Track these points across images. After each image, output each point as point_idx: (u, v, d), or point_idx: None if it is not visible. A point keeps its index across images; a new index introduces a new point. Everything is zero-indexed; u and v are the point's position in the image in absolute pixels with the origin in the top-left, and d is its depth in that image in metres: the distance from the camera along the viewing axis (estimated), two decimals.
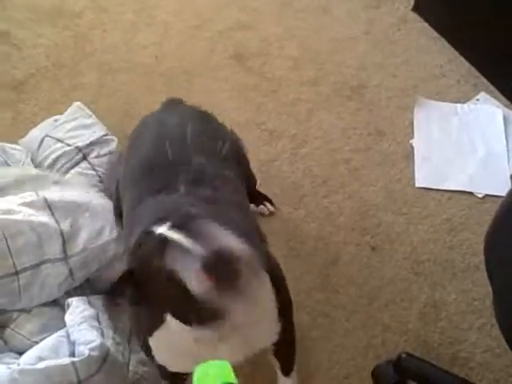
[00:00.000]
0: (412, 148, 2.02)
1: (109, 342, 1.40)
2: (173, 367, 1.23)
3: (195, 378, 0.83)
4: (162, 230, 0.97)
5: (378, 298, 1.71)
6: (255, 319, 1.05)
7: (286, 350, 1.38)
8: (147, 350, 1.21)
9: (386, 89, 2.19)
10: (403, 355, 1.51)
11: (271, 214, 1.88)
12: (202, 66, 2.28)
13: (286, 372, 1.44)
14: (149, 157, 1.38)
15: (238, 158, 1.53)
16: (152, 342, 1.17)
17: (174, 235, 0.95)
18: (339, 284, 1.75)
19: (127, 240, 1.29)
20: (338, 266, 1.78)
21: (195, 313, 0.96)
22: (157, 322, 1.10)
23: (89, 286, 1.60)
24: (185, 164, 1.31)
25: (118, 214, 1.56)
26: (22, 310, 1.54)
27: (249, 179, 1.70)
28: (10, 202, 1.62)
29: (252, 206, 1.85)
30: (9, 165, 1.84)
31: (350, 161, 2.01)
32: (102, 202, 1.70)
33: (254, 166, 1.92)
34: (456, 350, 1.61)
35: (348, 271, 1.77)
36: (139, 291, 1.03)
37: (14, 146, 1.91)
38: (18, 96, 2.20)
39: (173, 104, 1.62)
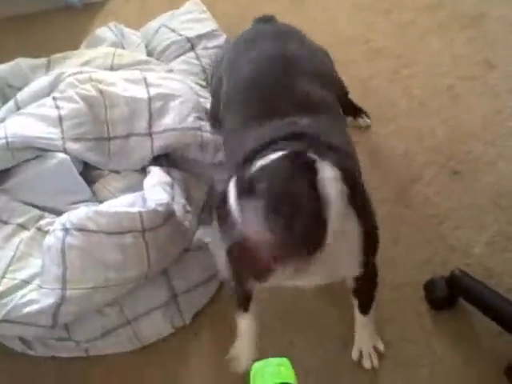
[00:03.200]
0: None
1: (177, 206, 1.53)
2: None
3: (252, 374, 0.80)
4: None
5: (449, 219, 1.70)
6: (338, 252, 1.09)
7: (365, 288, 1.36)
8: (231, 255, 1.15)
9: (507, 21, 2.09)
10: (457, 271, 1.50)
11: (367, 127, 1.90)
12: None
13: (365, 311, 1.42)
14: (250, 79, 1.39)
15: (331, 73, 1.56)
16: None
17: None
18: (414, 201, 1.75)
19: (228, 158, 1.37)
20: (417, 183, 1.78)
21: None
22: None
23: (170, 160, 1.73)
24: (287, 88, 1.32)
25: (214, 114, 1.62)
26: (113, 171, 1.70)
27: (341, 91, 1.73)
28: (116, 76, 1.78)
29: (350, 118, 1.89)
30: (123, 47, 1.99)
31: (452, 87, 1.96)
32: (195, 96, 1.79)
33: (354, 79, 1.95)
34: None
35: (426, 190, 1.76)
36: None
37: (132, 31, 2.07)
38: None
39: (267, 22, 1.61)
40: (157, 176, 1.59)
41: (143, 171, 1.69)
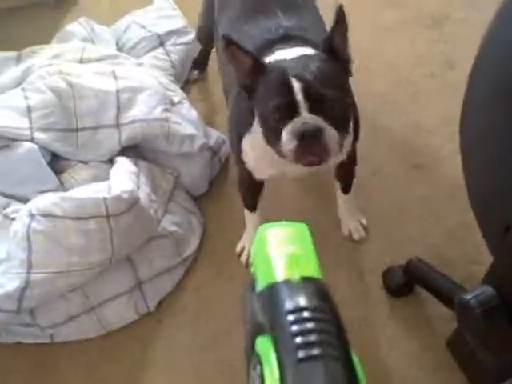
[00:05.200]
0: None
1: (142, 195, 1.56)
2: (257, 171, 1.45)
3: (257, 242, 0.58)
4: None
5: (408, 211, 1.76)
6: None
7: (348, 171, 1.59)
8: (238, 152, 1.42)
9: (469, 23, 2.16)
10: (413, 258, 1.56)
11: None
12: None
13: (347, 191, 1.66)
14: None
15: None
16: (243, 144, 1.38)
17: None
18: (374, 193, 1.81)
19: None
20: (377, 176, 1.84)
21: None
22: (247, 124, 1.33)
23: (137, 152, 1.76)
24: None
25: (204, 32, 1.89)
26: (81, 161, 1.73)
27: None
28: (85, 68, 1.81)
29: None
30: (93, 42, 2.03)
31: (413, 84, 2.03)
32: (163, 89, 1.82)
33: None
34: (473, 270, 1.63)
35: (385, 183, 1.82)
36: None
37: (103, 27, 2.11)
38: None
39: None
40: (123, 166, 1.63)
41: (111, 162, 1.72)
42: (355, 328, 1.56)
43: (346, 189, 1.65)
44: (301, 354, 0.47)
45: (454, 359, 1.39)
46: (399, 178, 1.83)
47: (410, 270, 1.56)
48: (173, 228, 1.66)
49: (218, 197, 1.86)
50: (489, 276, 1.07)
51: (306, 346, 0.47)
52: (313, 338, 0.47)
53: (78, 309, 1.56)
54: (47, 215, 1.47)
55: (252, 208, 1.63)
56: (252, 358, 0.51)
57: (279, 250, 0.54)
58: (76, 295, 1.55)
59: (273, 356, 0.48)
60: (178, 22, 2.06)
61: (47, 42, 2.14)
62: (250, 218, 1.66)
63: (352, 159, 1.53)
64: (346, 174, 1.61)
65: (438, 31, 2.17)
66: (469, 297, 1.00)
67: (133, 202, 1.51)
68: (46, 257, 1.46)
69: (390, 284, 1.60)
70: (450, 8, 2.23)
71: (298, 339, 0.47)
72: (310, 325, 0.48)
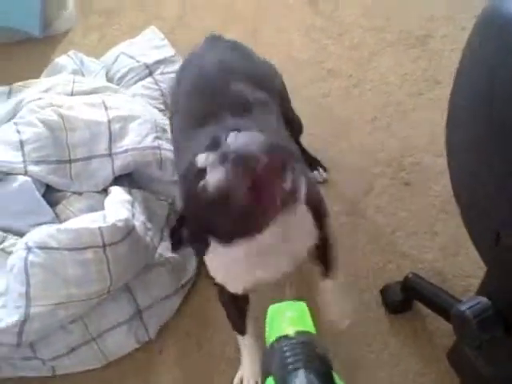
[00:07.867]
0: None
1: (137, 223, 1.57)
2: (229, 285, 1.29)
3: (268, 318, 0.78)
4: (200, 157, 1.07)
5: (402, 228, 1.77)
6: (294, 230, 1.15)
7: (326, 253, 1.42)
8: (206, 269, 1.29)
9: (451, 41, 2.20)
10: (410, 275, 1.57)
11: (324, 181, 1.89)
12: (278, 5, 2.41)
13: (330, 274, 1.46)
14: (191, 85, 1.47)
15: (278, 93, 1.58)
16: (207, 261, 1.26)
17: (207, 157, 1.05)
18: (367, 211, 1.82)
19: (177, 165, 1.44)
20: (369, 195, 1.85)
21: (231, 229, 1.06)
22: (205, 244, 1.18)
23: (131, 181, 1.78)
24: (224, 94, 1.38)
25: None
26: (75, 192, 1.74)
27: (293, 121, 1.72)
28: (76, 100, 1.82)
29: None
30: (83, 74, 2.05)
31: (400, 103, 2.06)
32: (154, 115, 1.86)
33: (306, 100, 2.02)
34: (470, 283, 1.64)
35: (378, 201, 1.84)
36: (191, 228, 1.14)
37: (92, 59, 2.13)
38: (105, 21, 2.43)
39: (213, 39, 1.64)
40: (117, 195, 1.64)
41: (105, 192, 1.73)
42: (356, 346, 1.57)
43: (329, 271, 1.45)
44: (289, 367, 0.68)
45: (455, 372, 1.39)
46: (391, 195, 1.84)
47: (408, 286, 1.56)
48: (170, 254, 1.67)
49: None
50: (483, 286, 1.08)
51: (294, 362, 0.68)
52: (298, 357, 0.69)
53: (79, 340, 1.55)
54: (44, 247, 1.47)
55: (241, 330, 1.45)
56: None
57: (281, 318, 0.77)
58: (76, 326, 1.55)
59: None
60: (167, 52, 2.09)
61: (38, 76, 2.16)
62: (242, 343, 1.49)
63: (326, 240, 1.39)
64: (324, 254, 1.43)
65: (422, 49, 2.20)
66: (464, 308, 1.01)
67: (128, 230, 1.52)
68: (44, 289, 1.46)
69: (388, 301, 1.61)
70: (432, 26, 2.27)
71: (289, 359, 0.69)
72: (297, 350, 0.70)
